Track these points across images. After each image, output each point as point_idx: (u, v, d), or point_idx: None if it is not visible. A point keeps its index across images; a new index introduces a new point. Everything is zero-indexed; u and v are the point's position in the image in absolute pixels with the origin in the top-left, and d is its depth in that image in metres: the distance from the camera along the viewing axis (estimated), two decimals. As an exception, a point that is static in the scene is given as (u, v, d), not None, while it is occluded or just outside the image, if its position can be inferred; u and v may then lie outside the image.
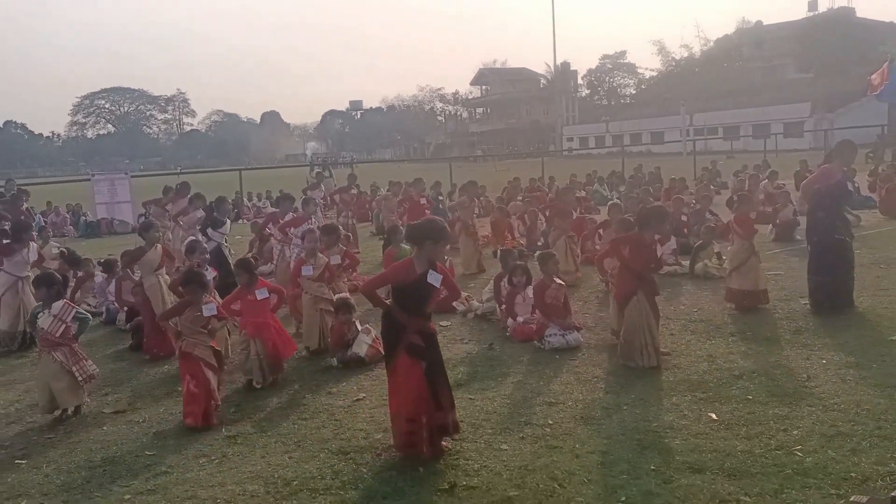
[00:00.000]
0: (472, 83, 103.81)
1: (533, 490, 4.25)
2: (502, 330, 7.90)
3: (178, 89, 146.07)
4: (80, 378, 5.94)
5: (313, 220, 10.32)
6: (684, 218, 11.89)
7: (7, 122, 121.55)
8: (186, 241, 7.73)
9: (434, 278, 4.75)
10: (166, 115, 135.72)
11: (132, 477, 4.81)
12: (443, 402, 4.81)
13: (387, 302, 4.95)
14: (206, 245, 8.49)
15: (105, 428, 5.75)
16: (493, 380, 6.33)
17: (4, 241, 8.78)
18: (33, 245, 8.86)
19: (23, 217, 13.10)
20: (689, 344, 6.89)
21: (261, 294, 6.68)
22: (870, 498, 3.33)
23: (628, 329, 6.37)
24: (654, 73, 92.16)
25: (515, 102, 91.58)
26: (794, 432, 4.76)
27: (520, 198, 17.71)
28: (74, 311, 6.06)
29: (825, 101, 56.97)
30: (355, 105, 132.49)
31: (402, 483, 4.46)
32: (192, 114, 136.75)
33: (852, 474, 4.11)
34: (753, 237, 8.27)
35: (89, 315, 6.53)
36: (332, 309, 7.41)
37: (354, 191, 17.46)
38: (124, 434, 5.60)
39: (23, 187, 16.45)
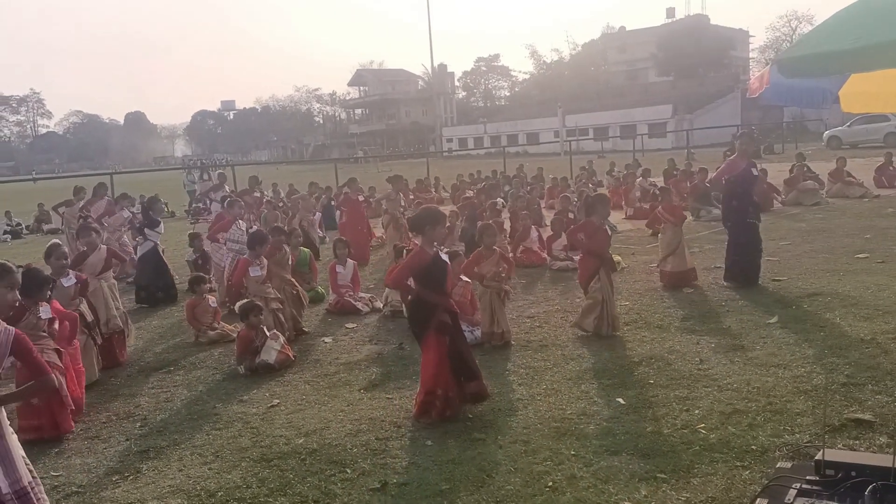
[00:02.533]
0: (350, 84, 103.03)
1: (463, 482, 4.38)
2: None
3: (31, 89, 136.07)
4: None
5: (240, 222, 10.01)
6: (571, 215, 12.43)
7: None
8: (48, 245, 7.19)
9: (445, 256, 5.41)
10: (19, 117, 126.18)
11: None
12: (471, 371, 5.33)
13: (413, 289, 5.45)
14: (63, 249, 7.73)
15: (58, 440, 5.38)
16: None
17: None
18: None
19: None
20: (588, 335, 7.23)
21: (45, 313, 5.80)
22: (794, 464, 3.66)
23: (591, 304, 7.12)
24: (527, 76, 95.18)
25: (394, 103, 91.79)
26: (696, 412, 5.14)
27: (412, 196, 17.92)
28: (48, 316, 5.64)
29: (685, 103, 60.89)
30: (227, 105, 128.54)
31: (332, 485, 4.46)
32: (49, 115, 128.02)
33: (753, 447, 4.51)
34: (682, 223, 9.29)
35: None
36: (281, 306, 7.62)
37: (257, 193, 16.99)
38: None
39: None
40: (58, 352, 5.70)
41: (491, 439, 4.95)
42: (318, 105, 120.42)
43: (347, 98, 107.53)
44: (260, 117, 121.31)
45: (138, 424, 5.76)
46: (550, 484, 4.26)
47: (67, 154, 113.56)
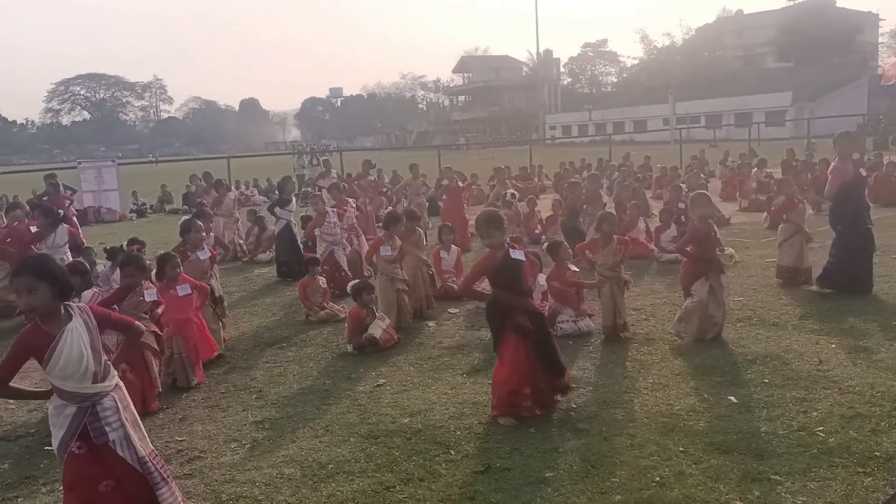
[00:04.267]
0: (455, 71, 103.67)
1: (567, 471, 4.36)
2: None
3: (154, 76, 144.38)
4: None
5: (330, 213, 10.33)
6: (682, 206, 12.05)
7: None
8: (181, 221, 7.68)
9: (517, 254, 5.15)
10: (143, 102, 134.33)
11: (166, 462, 4.81)
12: (559, 367, 5.23)
13: (487, 293, 5.41)
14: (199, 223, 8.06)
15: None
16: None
17: (34, 229, 8.82)
18: (61, 229, 8.85)
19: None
20: (684, 340, 6.98)
21: (182, 290, 6.45)
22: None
23: (692, 307, 6.68)
24: (636, 62, 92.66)
25: (498, 90, 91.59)
26: (814, 414, 4.90)
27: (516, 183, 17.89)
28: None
29: (805, 90, 57.66)
30: (335, 92, 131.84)
31: (437, 465, 4.55)
32: (170, 101, 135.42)
33: (876, 453, 4.26)
34: (802, 219, 8.87)
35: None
36: (407, 288, 7.81)
37: (372, 177, 17.46)
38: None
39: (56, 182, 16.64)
40: (156, 335, 6.00)
41: (595, 431, 4.90)
42: (422, 92, 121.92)
43: (451, 85, 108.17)
44: (366, 104, 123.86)
45: (254, 396, 6.06)
46: (658, 479, 4.18)
47: (186, 138, 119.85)
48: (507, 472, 4.41)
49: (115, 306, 5.46)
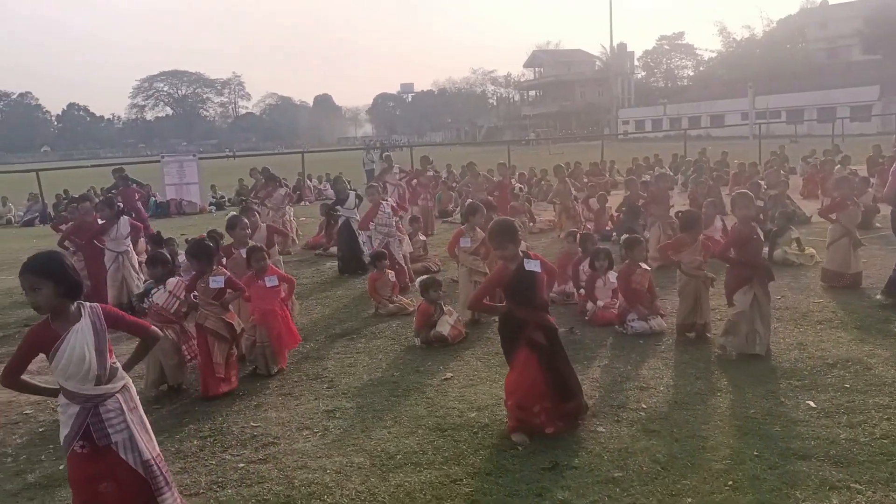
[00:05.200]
0: (526, 65, 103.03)
1: (636, 472, 4.31)
2: (580, 314, 7.94)
3: (233, 72, 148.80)
4: (188, 357, 6.21)
5: (385, 205, 10.45)
6: (761, 203, 11.67)
7: (70, 105, 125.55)
8: (228, 217, 8.02)
9: (532, 265, 4.83)
10: (222, 99, 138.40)
11: (241, 447, 5.03)
12: (568, 390, 4.91)
13: (500, 305, 5.09)
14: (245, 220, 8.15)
15: (208, 400, 5.98)
16: (578, 363, 6.35)
17: (100, 221, 9.18)
18: (123, 220, 9.20)
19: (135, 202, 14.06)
20: (776, 331, 6.80)
21: (270, 282, 6.64)
22: None
23: (736, 318, 6.17)
24: (714, 55, 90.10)
25: (569, 84, 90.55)
26: (899, 422, 4.70)
27: (586, 180, 17.69)
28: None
29: (894, 84, 54.86)
30: (406, 88, 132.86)
31: (504, 460, 4.56)
32: (248, 97, 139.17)
33: (968, 465, 4.06)
34: (852, 222, 8.43)
35: None
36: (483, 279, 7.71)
37: (430, 172, 17.59)
38: (227, 407, 5.83)
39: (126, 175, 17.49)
40: (228, 322, 6.15)
41: (666, 432, 4.82)
42: (492, 87, 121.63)
43: (522, 80, 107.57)
44: (436, 100, 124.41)
45: (326, 386, 6.20)
46: (731, 483, 4.08)
47: (262, 133, 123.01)
48: (574, 470, 4.39)
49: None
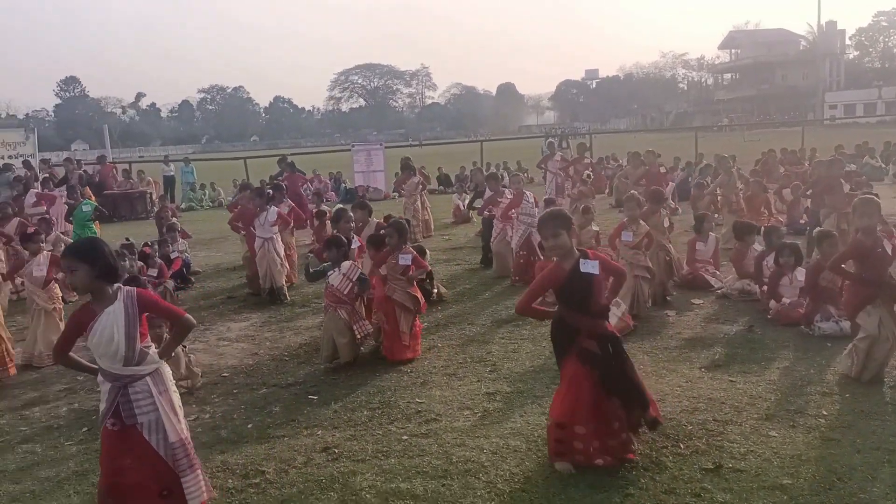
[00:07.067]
0: (721, 47, 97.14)
1: (809, 481, 4.02)
2: (762, 311, 7.46)
3: (422, 64, 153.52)
4: (358, 336, 6.61)
5: (528, 194, 10.43)
6: None
7: (276, 98, 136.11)
8: (334, 210, 8.45)
9: (588, 266, 4.27)
10: (410, 90, 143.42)
11: (406, 420, 5.29)
12: (632, 402, 4.34)
13: (551, 311, 4.59)
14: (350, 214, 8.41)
15: (379, 375, 6.35)
16: (755, 363, 6.02)
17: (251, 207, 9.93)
18: (271, 209, 9.80)
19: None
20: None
21: (403, 259, 6.74)
22: None
23: (863, 343, 5.41)
24: (944, 29, 79.65)
25: (769, 67, 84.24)
26: None
27: (782, 170, 16.47)
28: (359, 271, 6.73)
29: None
30: (591, 74, 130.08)
31: (663, 457, 4.43)
32: (434, 87, 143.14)
33: None
34: None
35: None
36: (649, 276, 7.64)
37: (587, 160, 17.25)
38: (396, 382, 6.15)
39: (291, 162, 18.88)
40: (412, 295, 6.67)
41: (848, 441, 4.45)
42: (683, 71, 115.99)
43: (716, 62, 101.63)
44: (622, 86, 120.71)
45: (488, 369, 6.34)
46: (918, 503, 3.69)
47: (447, 123, 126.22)
48: (739, 473, 4.17)
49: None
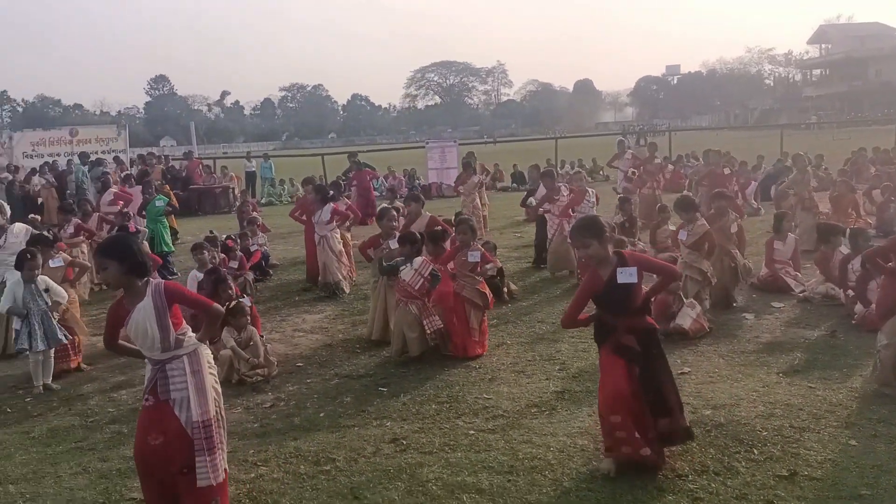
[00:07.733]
0: (810, 42, 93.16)
1: (888, 491, 3.87)
2: (846, 316, 7.18)
3: (497, 61, 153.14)
4: (428, 331, 6.70)
5: (590, 191, 10.32)
6: None
7: (354, 96, 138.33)
8: (379, 209, 8.52)
9: (625, 276, 4.17)
10: (486, 87, 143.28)
11: (473, 415, 5.35)
12: (664, 407, 4.28)
13: (592, 314, 4.46)
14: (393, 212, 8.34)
15: (447, 370, 6.43)
16: (836, 370, 5.81)
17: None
18: (326, 207, 9.86)
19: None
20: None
21: (472, 256, 6.79)
22: None
23: (886, 353, 5.19)
24: None
25: (862, 62, 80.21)
26: None
27: (873, 170, 15.73)
28: (431, 267, 6.83)
29: None
30: (672, 70, 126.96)
31: (736, 462, 4.34)
32: (510, 84, 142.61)
33: None
34: None
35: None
36: (700, 278, 7.45)
37: (658, 160, 16.87)
38: (464, 377, 6.21)
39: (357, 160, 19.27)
40: (481, 292, 6.77)
41: (937, 454, 4.24)
42: (769, 66, 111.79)
43: (805, 58, 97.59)
44: (704, 82, 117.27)
45: (557, 367, 6.32)
46: None
47: (522, 119, 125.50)
48: (814, 481, 4.05)
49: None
